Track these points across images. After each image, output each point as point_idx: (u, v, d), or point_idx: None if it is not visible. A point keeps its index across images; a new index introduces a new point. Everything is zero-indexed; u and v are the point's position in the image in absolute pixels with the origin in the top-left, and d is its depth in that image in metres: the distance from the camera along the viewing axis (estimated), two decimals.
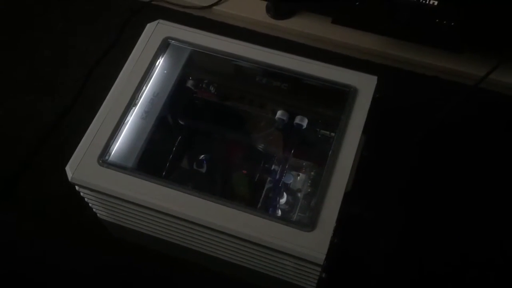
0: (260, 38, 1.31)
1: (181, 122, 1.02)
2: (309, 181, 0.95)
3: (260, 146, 0.99)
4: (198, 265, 1.00)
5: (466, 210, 1.08)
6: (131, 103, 0.88)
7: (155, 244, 0.94)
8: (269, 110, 1.01)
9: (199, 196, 0.80)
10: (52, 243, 1.07)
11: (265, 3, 1.32)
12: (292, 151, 0.97)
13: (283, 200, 0.93)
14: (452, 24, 1.11)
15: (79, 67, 1.29)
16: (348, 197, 0.80)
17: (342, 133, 0.84)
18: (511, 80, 1.20)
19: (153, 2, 1.37)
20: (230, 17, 1.34)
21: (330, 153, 0.83)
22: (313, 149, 0.98)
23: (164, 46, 0.94)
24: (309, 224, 0.77)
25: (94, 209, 0.92)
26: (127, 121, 0.88)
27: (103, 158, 0.83)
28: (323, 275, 0.81)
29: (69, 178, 0.82)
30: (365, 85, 0.88)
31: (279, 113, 0.99)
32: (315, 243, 0.76)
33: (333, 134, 0.92)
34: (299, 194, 0.94)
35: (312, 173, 0.96)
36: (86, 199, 0.88)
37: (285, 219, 0.81)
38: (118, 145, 0.86)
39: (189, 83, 1.02)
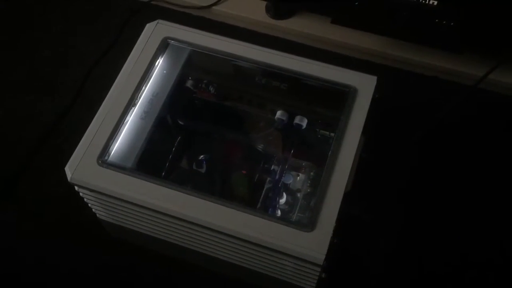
0: (259, 38, 1.30)
1: (181, 122, 1.02)
2: (309, 181, 0.95)
3: (260, 146, 0.99)
4: (197, 266, 1.00)
5: (466, 210, 1.08)
6: (131, 103, 0.88)
7: (155, 244, 0.94)
8: (269, 110, 1.01)
9: (199, 196, 0.80)
10: (51, 243, 1.07)
11: (264, 3, 1.32)
12: (292, 151, 0.97)
13: (282, 200, 0.93)
14: (452, 24, 1.11)
15: (79, 67, 1.29)
16: (348, 198, 0.80)
17: (341, 133, 0.84)
18: (510, 80, 1.20)
19: (152, 2, 1.37)
20: (229, 17, 1.34)
21: (329, 153, 0.83)
22: (313, 149, 0.98)
23: (163, 46, 0.94)
24: (309, 224, 0.77)
25: (93, 210, 0.92)
26: (126, 121, 0.88)
27: (102, 158, 0.83)
28: (323, 275, 0.81)
29: (69, 179, 0.82)
30: (364, 85, 0.88)
31: (278, 113, 0.99)
32: (314, 243, 0.76)
33: (332, 134, 0.92)
34: (298, 194, 0.94)
35: (312, 173, 0.96)
36: (85, 199, 0.88)
37: (284, 220, 0.81)
38: (117, 145, 0.86)
39: (189, 83, 1.02)
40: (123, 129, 0.87)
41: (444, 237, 1.05)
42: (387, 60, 1.26)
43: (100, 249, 1.05)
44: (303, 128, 0.97)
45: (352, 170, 0.82)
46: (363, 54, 1.27)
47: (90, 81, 1.27)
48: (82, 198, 0.88)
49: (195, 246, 0.88)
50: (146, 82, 0.91)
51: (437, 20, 1.11)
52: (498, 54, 1.10)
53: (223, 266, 0.90)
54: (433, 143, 1.14)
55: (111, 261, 1.05)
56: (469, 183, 1.11)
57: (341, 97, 0.88)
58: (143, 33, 0.95)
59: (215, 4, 1.34)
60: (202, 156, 0.98)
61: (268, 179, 0.95)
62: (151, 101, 0.94)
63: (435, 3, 1.08)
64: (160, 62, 0.94)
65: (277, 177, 0.94)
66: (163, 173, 0.96)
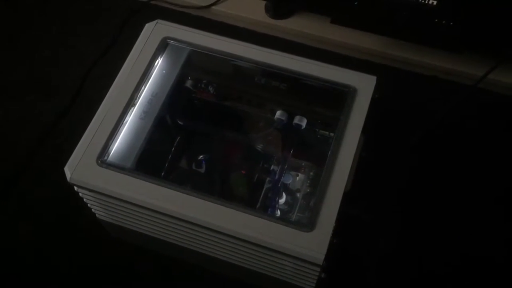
0: (259, 38, 1.30)
1: (180, 122, 1.02)
2: (308, 181, 0.95)
3: (259, 146, 0.99)
4: (197, 265, 1.00)
5: (466, 210, 1.08)
6: (130, 103, 0.88)
7: (154, 244, 0.94)
8: (268, 110, 1.01)
9: (198, 197, 0.79)
10: (51, 243, 1.07)
11: (264, 2, 1.32)
12: (291, 151, 0.97)
13: (282, 200, 0.93)
14: (451, 24, 1.11)
15: (79, 67, 1.29)
16: (347, 197, 0.80)
17: (341, 133, 0.84)
18: (510, 80, 1.20)
19: (151, 2, 1.37)
20: (229, 17, 1.34)
21: (329, 153, 0.83)
22: (312, 149, 0.98)
23: (162, 46, 0.94)
24: (308, 224, 0.77)
25: (93, 210, 0.92)
26: (125, 121, 0.87)
27: (101, 158, 0.83)
28: (322, 275, 0.81)
29: (68, 179, 0.82)
30: (364, 85, 0.88)
31: (278, 113, 0.99)
32: (314, 243, 0.75)
33: (332, 134, 0.92)
34: (298, 194, 0.94)
35: (311, 173, 0.96)
36: (84, 199, 0.88)
37: (284, 220, 0.81)
38: (116, 146, 0.86)
39: (188, 83, 1.02)
40: (123, 129, 0.87)
41: (444, 237, 1.05)
42: (387, 60, 1.26)
43: (99, 249, 1.05)
44: (302, 128, 0.97)
45: (352, 170, 0.82)
46: (363, 54, 1.27)
47: (90, 81, 1.27)
48: (82, 198, 0.88)
49: (194, 246, 0.88)
50: (146, 82, 0.91)
51: (436, 20, 1.11)
52: (498, 54, 1.09)
53: (222, 266, 0.90)
54: (432, 143, 1.14)
55: (111, 261, 1.05)
56: (469, 183, 1.11)
57: (341, 97, 0.88)
58: (142, 33, 0.95)
59: (214, 4, 1.34)
60: (201, 156, 0.98)
61: (268, 179, 0.95)
62: (150, 101, 0.94)
63: (435, 3, 1.08)
64: (159, 62, 0.94)
65: (276, 177, 0.94)
66: (163, 173, 0.96)
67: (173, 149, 0.98)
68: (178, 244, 0.89)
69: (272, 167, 0.96)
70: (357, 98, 0.87)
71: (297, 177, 0.96)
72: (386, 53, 1.25)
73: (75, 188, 0.85)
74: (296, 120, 0.97)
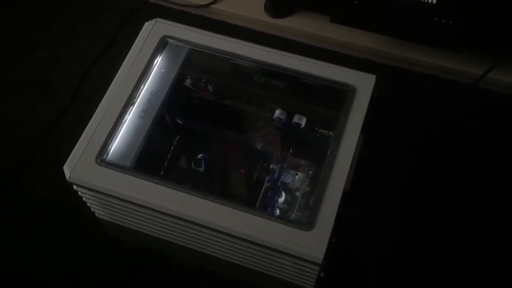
0: (258, 36, 1.30)
1: (179, 121, 1.02)
2: (308, 180, 0.95)
3: (258, 145, 0.99)
4: (196, 265, 1.00)
5: (466, 210, 1.07)
6: (129, 102, 0.88)
7: (153, 243, 0.94)
8: (267, 109, 1.01)
9: (197, 196, 0.79)
10: (50, 242, 1.07)
11: (263, 1, 1.32)
12: (291, 150, 0.97)
13: (281, 199, 0.93)
14: (451, 22, 1.11)
15: (78, 67, 1.29)
16: (347, 196, 0.80)
17: (340, 132, 0.84)
18: (510, 79, 1.20)
19: (151, 1, 1.37)
20: (228, 16, 1.34)
21: (328, 152, 0.82)
22: (312, 148, 0.98)
23: (162, 45, 0.94)
24: (308, 223, 0.77)
25: (92, 209, 0.92)
26: (125, 120, 0.87)
27: (101, 157, 0.83)
28: (322, 274, 0.81)
29: (67, 178, 0.82)
30: (363, 84, 0.88)
31: (277, 112, 0.98)
32: (313, 242, 0.75)
33: (331, 133, 0.92)
34: (297, 193, 0.94)
35: (311, 172, 0.96)
36: (84, 198, 0.88)
37: (283, 219, 0.81)
38: (116, 144, 0.86)
39: (187, 82, 1.02)
40: (122, 128, 0.87)
41: (444, 237, 1.05)
42: (386, 59, 1.26)
43: (98, 248, 1.05)
44: (302, 127, 0.97)
45: (351, 169, 0.81)
46: (362, 52, 1.27)
47: (89, 80, 1.27)
48: (81, 197, 0.88)
49: (194, 245, 0.88)
50: (145, 81, 0.91)
51: (436, 19, 1.11)
52: (498, 53, 1.09)
53: (222, 265, 0.90)
54: (432, 142, 1.14)
55: (110, 260, 1.05)
56: (468, 183, 1.10)
57: (340, 96, 0.88)
58: (141, 31, 0.95)
59: (213, 2, 1.34)
60: (200, 155, 0.98)
61: (267, 178, 0.95)
62: (149, 100, 0.94)
63: (434, 1, 1.08)
64: (158, 61, 0.94)
65: (276, 176, 0.94)
66: (162, 172, 0.96)
67: (172, 148, 0.98)
68: (177, 243, 0.89)
69: (271, 166, 0.96)
70: (357, 97, 0.87)
71: (297, 176, 0.96)
72: (385, 52, 1.25)
73: (74, 187, 0.85)
74: (296, 119, 0.97)
